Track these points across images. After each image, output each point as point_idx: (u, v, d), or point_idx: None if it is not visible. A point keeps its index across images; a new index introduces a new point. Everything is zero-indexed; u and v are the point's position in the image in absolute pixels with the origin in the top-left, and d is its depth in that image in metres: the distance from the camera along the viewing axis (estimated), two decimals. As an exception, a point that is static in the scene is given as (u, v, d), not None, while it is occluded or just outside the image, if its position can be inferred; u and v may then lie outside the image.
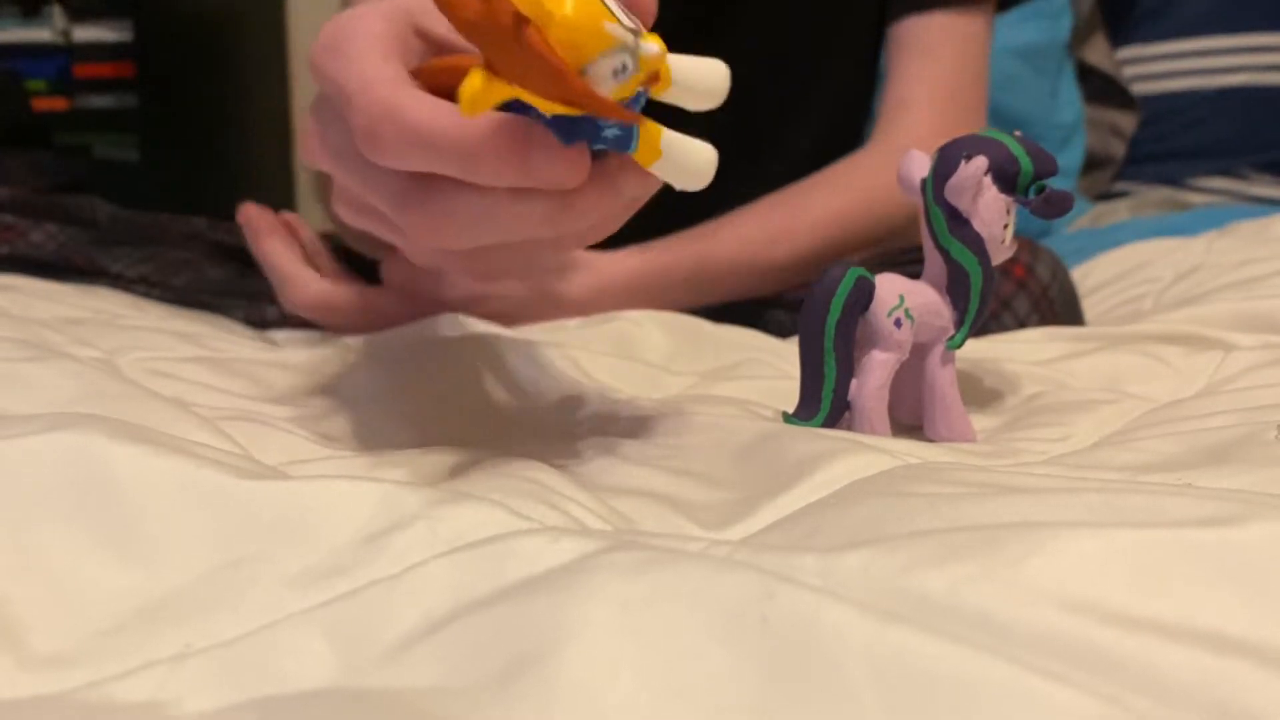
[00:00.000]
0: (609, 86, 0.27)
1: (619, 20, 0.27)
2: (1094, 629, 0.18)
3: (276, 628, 0.22)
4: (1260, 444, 0.31)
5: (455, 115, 0.27)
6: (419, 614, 0.22)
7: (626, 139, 0.29)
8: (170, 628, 0.22)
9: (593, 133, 0.28)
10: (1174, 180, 1.39)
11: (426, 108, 0.28)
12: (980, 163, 0.38)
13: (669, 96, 0.30)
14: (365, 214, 0.32)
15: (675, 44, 0.29)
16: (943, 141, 0.40)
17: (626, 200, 0.29)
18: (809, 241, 0.66)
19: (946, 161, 0.39)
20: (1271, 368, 0.45)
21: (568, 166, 0.27)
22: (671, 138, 0.29)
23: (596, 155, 0.29)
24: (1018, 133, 0.40)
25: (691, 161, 0.30)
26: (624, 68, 0.27)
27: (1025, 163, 0.39)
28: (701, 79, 0.30)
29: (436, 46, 0.32)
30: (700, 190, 0.30)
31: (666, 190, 0.31)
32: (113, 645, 0.22)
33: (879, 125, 0.74)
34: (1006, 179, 0.39)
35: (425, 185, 0.29)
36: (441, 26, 0.32)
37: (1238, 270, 0.72)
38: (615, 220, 0.31)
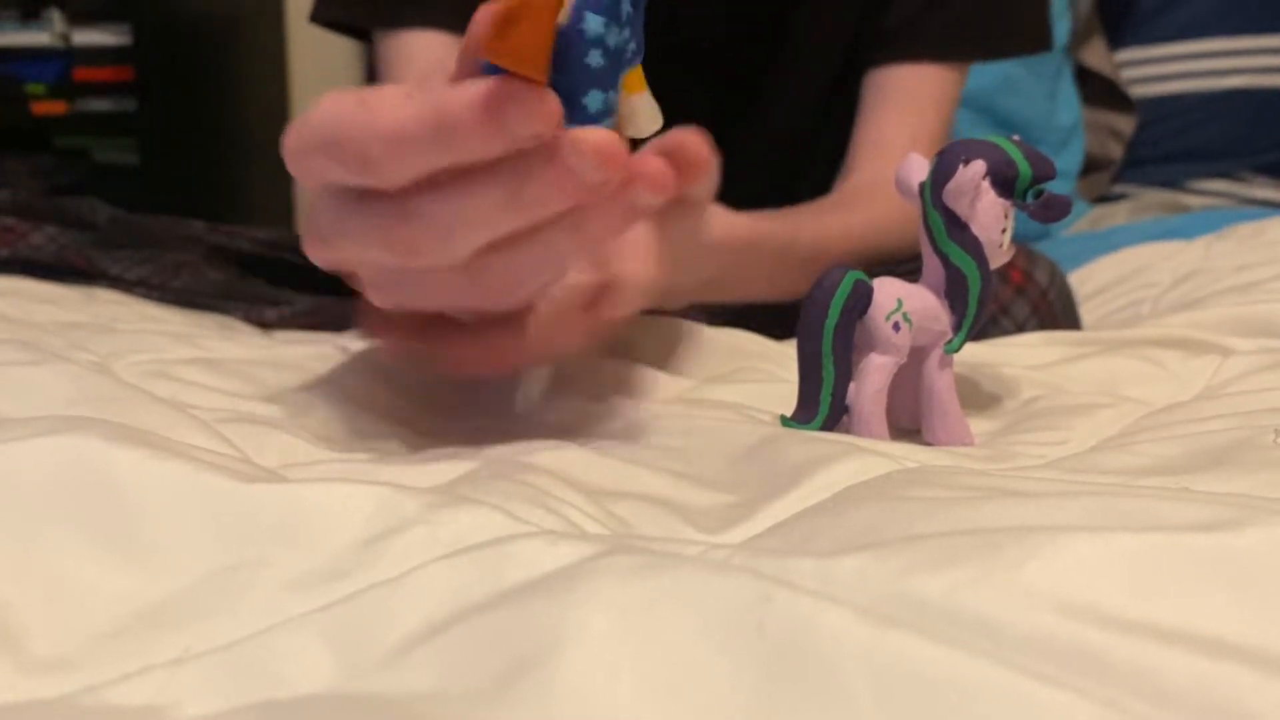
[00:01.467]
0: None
1: None
2: (1091, 633, 0.18)
3: (275, 631, 0.22)
4: (1258, 448, 0.31)
5: (414, 98, 0.28)
6: (418, 617, 0.22)
7: (583, 110, 0.29)
8: (169, 631, 0.22)
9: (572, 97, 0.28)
10: (1173, 183, 1.40)
11: (389, 103, 0.28)
12: (978, 167, 0.38)
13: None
14: (396, 284, 0.32)
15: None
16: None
17: (586, 180, 0.28)
18: (859, 246, 0.66)
19: (945, 166, 0.39)
20: (1269, 372, 0.45)
21: (540, 114, 0.27)
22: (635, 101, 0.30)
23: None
24: (1015, 137, 0.40)
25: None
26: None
27: (1023, 167, 0.39)
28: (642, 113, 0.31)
29: None
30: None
31: None
32: (111, 649, 0.22)
33: (861, 163, 0.74)
34: (1004, 183, 0.39)
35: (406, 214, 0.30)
36: None
37: (1235, 275, 0.72)
38: (619, 221, 0.31)
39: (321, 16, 0.78)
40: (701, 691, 0.18)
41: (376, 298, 0.35)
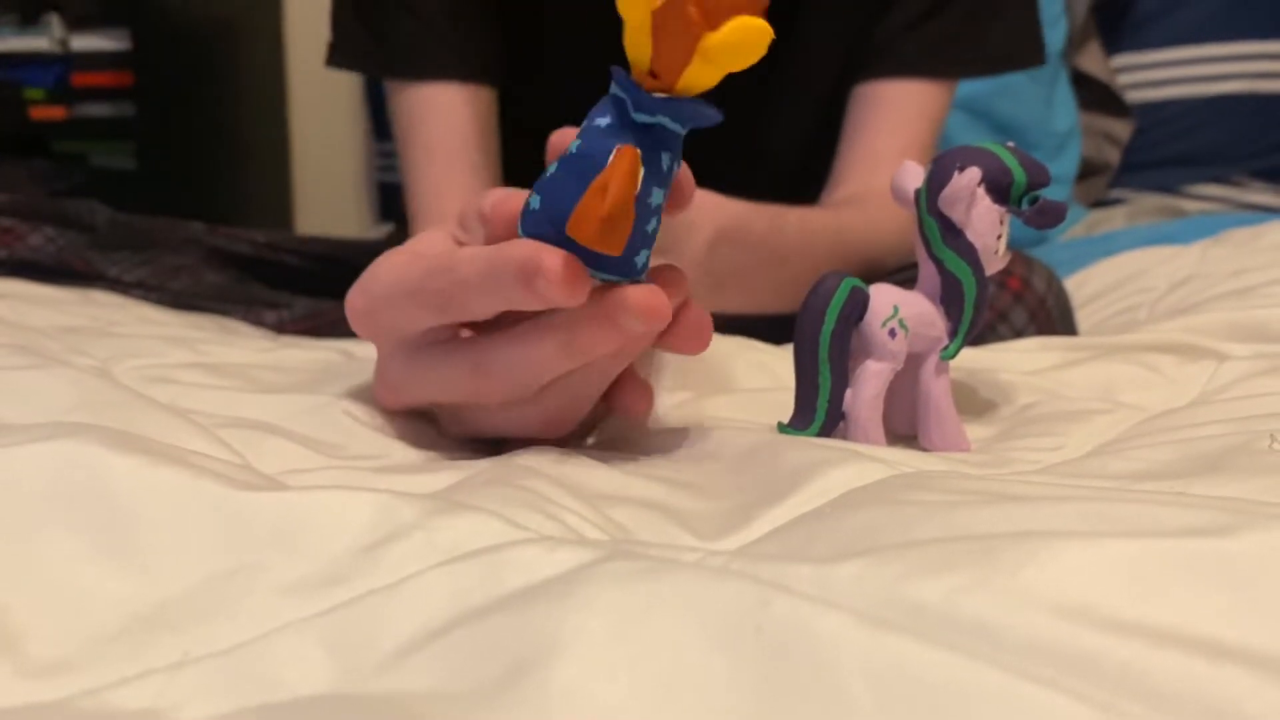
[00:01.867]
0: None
1: None
2: (1089, 636, 0.18)
3: (274, 636, 0.22)
4: (1254, 453, 0.31)
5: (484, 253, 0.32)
6: (417, 622, 0.22)
7: (635, 267, 0.31)
8: (168, 635, 0.22)
9: (609, 264, 0.31)
10: (1169, 187, 1.40)
11: (465, 256, 0.32)
12: (974, 174, 0.39)
13: None
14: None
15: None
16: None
17: (630, 334, 0.31)
18: (851, 246, 0.68)
19: (940, 173, 0.40)
20: (1265, 377, 0.45)
21: (575, 282, 0.30)
22: None
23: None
24: (1010, 143, 0.40)
25: None
26: None
27: (1018, 173, 0.39)
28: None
29: None
30: None
31: None
32: (111, 653, 0.22)
33: (850, 175, 0.75)
34: (1000, 190, 0.39)
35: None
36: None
37: (1231, 280, 0.72)
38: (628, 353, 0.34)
39: (336, 64, 0.79)
40: (699, 695, 0.18)
41: (449, 430, 0.39)
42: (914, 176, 0.41)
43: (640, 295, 0.30)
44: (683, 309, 0.33)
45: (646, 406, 0.38)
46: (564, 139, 0.34)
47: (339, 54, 0.78)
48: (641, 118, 0.30)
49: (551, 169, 0.31)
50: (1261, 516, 0.21)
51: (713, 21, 0.28)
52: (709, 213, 0.57)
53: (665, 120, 0.30)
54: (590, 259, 0.31)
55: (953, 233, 0.39)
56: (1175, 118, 1.40)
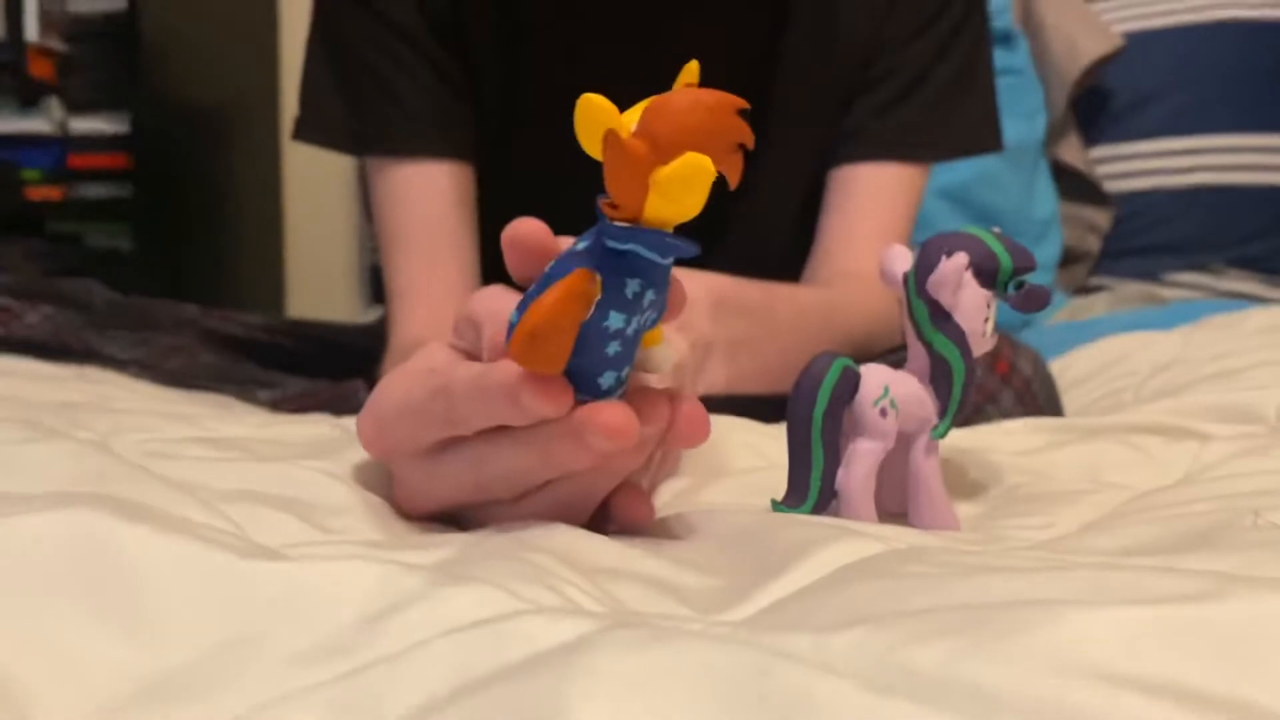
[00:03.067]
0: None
1: None
2: (1082, 696, 0.18)
3: (279, 705, 0.22)
4: (1238, 529, 0.32)
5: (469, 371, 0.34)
6: (423, 692, 0.22)
7: (599, 388, 0.32)
8: (174, 705, 0.23)
9: (576, 384, 0.32)
10: (1149, 275, 1.43)
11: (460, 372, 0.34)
12: (961, 259, 0.40)
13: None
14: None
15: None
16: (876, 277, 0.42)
17: (597, 451, 0.33)
18: (841, 326, 0.69)
19: (928, 258, 0.41)
20: (1247, 457, 0.46)
21: (550, 402, 0.32)
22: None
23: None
24: (996, 229, 0.42)
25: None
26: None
27: (1004, 259, 0.40)
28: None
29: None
30: None
31: None
32: (119, 721, 0.22)
33: (830, 256, 0.77)
34: (986, 274, 0.40)
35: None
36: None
37: (1213, 363, 0.74)
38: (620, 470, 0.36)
39: (306, 138, 0.78)
40: (704, 761, 0.19)
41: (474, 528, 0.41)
42: (902, 260, 0.42)
43: (605, 414, 0.31)
44: (679, 406, 0.34)
45: (644, 516, 0.38)
46: (520, 230, 0.36)
47: (310, 128, 0.78)
48: (613, 244, 0.30)
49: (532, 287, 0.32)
50: (1248, 585, 0.22)
51: (664, 155, 0.28)
52: (701, 284, 0.58)
53: (638, 249, 0.30)
54: (570, 378, 0.32)
55: (941, 316, 0.40)
56: (1152, 207, 1.43)
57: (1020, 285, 0.41)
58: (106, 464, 0.36)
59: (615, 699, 0.20)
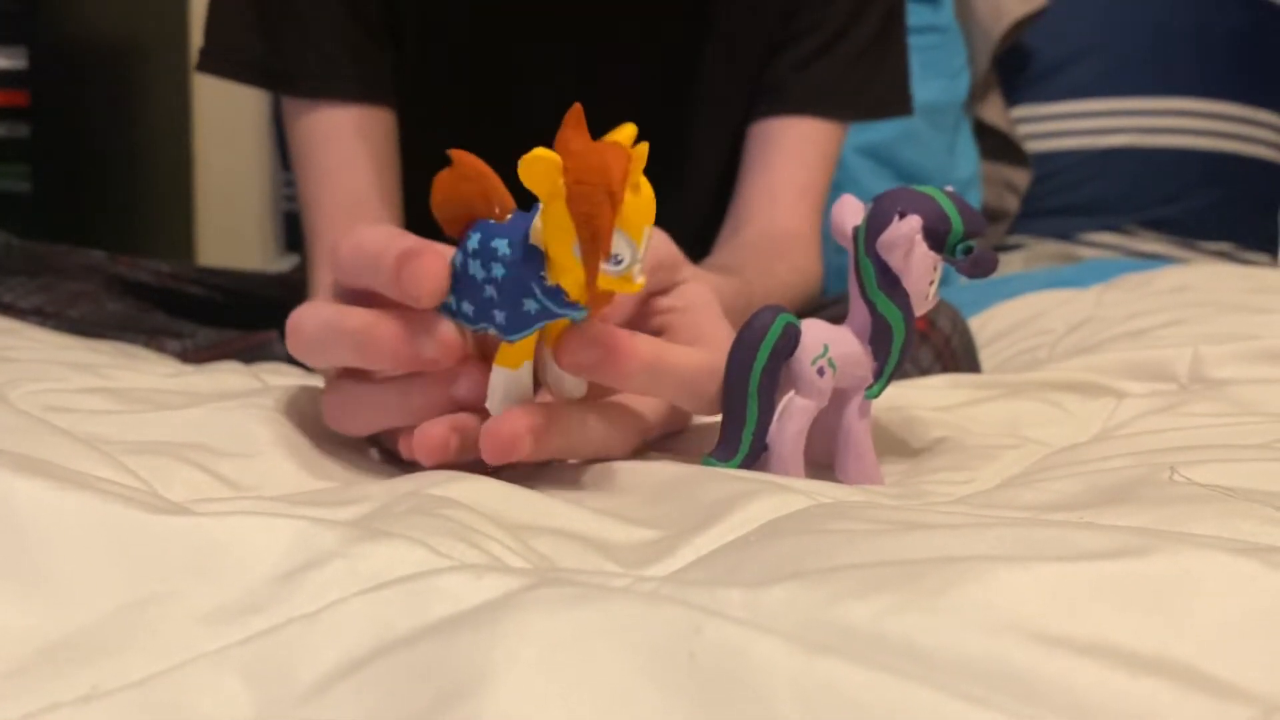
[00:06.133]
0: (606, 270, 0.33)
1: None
2: (1014, 653, 0.18)
3: (189, 667, 0.21)
4: (1155, 484, 0.32)
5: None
6: (339, 652, 0.21)
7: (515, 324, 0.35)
8: (76, 668, 0.21)
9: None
10: (1065, 234, 1.46)
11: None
12: (914, 222, 0.39)
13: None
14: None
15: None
16: (803, 234, 0.42)
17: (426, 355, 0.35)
18: (789, 294, 0.69)
19: (880, 215, 0.40)
20: (1161, 414, 0.47)
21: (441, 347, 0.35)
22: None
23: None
24: (949, 188, 0.40)
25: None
26: (620, 261, 0.33)
27: (956, 222, 0.39)
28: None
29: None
30: None
31: None
32: (15, 687, 0.21)
33: (751, 211, 0.77)
34: (937, 238, 0.39)
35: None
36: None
37: (1126, 322, 0.75)
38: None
39: (215, 70, 0.75)
40: (633, 722, 0.18)
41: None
42: (853, 213, 0.41)
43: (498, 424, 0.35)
44: (493, 427, 0.36)
45: (586, 361, 0.38)
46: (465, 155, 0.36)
47: (217, 59, 0.75)
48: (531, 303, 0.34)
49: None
50: (1169, 541, 0.22)
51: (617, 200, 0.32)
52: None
53: (547, 304, 0.34)
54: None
55: (888, 278, 0.40)
56: (1069, 168, 1.46)
57: (969, 250, 0.40)
58: (2, 416, 0.35)
59: (541, 660, 0.19)
